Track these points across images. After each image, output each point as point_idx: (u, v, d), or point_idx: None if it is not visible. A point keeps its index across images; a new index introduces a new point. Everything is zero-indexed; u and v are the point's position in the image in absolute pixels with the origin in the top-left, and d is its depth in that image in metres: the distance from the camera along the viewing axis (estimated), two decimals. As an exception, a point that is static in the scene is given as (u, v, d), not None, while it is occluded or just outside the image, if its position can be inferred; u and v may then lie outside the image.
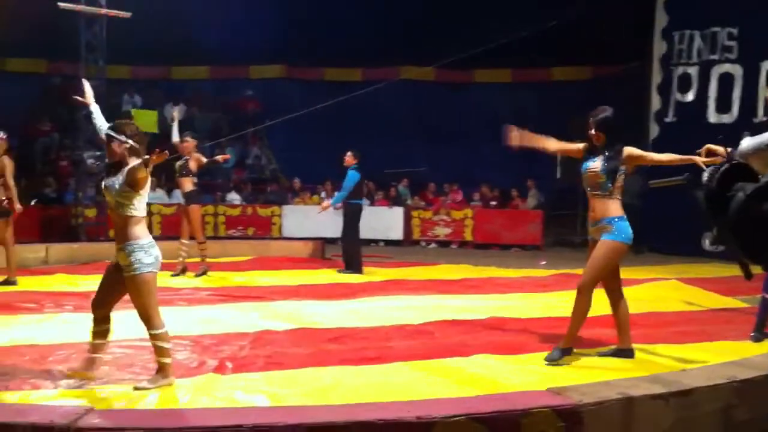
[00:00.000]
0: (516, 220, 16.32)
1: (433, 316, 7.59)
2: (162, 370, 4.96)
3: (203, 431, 3.34)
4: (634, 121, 16.95)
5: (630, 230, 5.63)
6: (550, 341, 6.19)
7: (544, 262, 12.87)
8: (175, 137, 10.70)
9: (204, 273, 10.43)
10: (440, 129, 19.66)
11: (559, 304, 8.39)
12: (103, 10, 13.80)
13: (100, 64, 14.09)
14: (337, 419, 3.42)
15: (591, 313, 7.72)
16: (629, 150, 5.61)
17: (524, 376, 5.18)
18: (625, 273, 10.78)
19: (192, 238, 10.70)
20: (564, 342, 5.66)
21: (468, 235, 16.32)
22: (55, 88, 20.35)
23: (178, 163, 10.53)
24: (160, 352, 4.98)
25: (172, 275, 10.34)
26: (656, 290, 9.51)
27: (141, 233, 4.86)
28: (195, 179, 10.51)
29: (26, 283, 9.37)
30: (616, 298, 5.91)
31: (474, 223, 16.26)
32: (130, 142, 4.89)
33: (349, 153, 11.08)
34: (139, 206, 4.87)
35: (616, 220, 5.59)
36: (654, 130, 15.96)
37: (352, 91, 15.03)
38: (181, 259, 10.55)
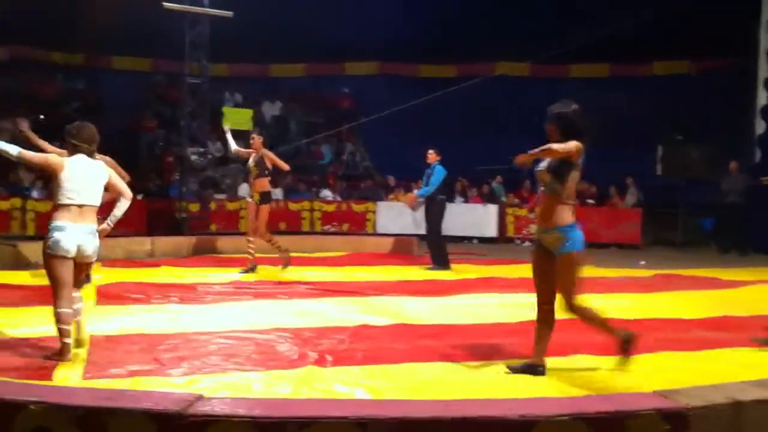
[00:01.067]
0: (614, 218, 15.97)
1: (530, 314, 7.47)
2: (61, 353, 5.39)
3: (307, 421, 3.39)
4: (737, 116, 16.37)
5: (581, 235, 5.22)
6: (655, 343, 6.04)
7: (643, 262, 12.56)
8: (233, 146, 10.92)
9: (287, 265, 10.55)
10: (535, 125, 19.37)
11: (664, 305, 8.20)
12: (207, 10, 14.21)
13: (203, 63, 14.51)
14: (440, 414, 3.42)
15: (693, 314, 7.54)
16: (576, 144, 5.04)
17: (629, 378, 5.06)
18: (729, 275, 10.45)
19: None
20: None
21: (564, 233, 16.04)
22: (159, 86, 21.10)
23: (252, 162, 10.42)
24: (58, 332, 5.41)
25: (241, 272, 10.25)
26: (764, 293, 9.16)
27: (55, 217, 5.41)
28: (270, 178, 10.59)
29: (134, 275, 9.74)
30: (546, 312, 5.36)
31: (570, 221, 15.98)
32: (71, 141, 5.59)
33: (431, 150, 11.13)
34: (56, 193, 5.43)
35: (567, 230, 5.19)
36: (760, 127, 15.36)
37: (447, 87, 15.03)
38: (250, 256, 10.39)
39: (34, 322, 6.46)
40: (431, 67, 21.30)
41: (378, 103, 17.70)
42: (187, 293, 8.46)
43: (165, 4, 13.72)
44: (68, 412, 3.53)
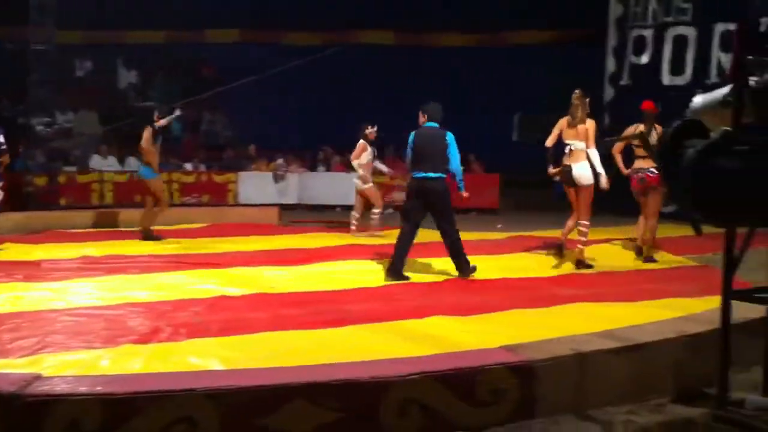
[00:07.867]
0: (474, 184, 16.25)
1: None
2: None
3: (155, 395, 3.28)
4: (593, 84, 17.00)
5: None
6: (507, 301, 6.26)
7: (500, 226, 12.89)
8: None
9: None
10: (399, 96, 19.46)
11: (516, 264, 8.55)
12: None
13: (49, 28, 13.63)
14: (291, 381, 3.38)
15: (543, 273, 7.86)
16: None
17: (480, 336, 5.20)
18: (575, 234, 10.90)
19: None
20: None
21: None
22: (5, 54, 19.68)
23: None
24: None
25: None
26: (609, 249, 9.68)
27: None
28: None
29: None
30: None
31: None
32: None
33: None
34: None
35: None
36: (609, 93, 16.03)
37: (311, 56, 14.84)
38: None
39: None
40: (295, 35, 20.84)
41: (240, 72, 17.33)
42: (33, 270, 8.00)
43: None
44: None
